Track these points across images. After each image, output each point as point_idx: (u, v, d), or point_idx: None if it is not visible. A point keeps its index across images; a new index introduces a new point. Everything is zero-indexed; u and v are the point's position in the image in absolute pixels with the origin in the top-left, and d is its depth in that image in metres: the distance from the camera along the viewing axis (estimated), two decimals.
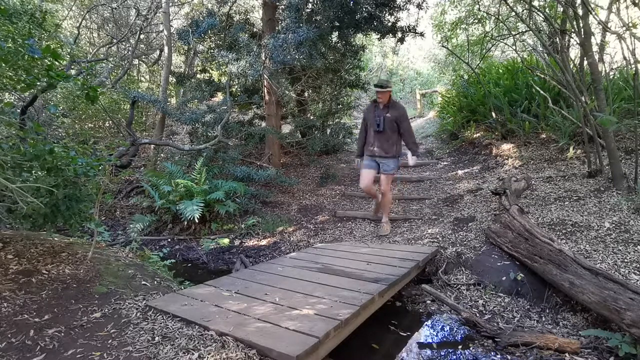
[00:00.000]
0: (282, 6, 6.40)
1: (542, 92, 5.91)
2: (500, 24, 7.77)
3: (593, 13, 4.44)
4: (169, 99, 8.35)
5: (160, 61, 10.25)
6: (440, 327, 2.85)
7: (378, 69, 18.03)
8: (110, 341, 1.86)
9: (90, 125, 7.92)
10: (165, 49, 7.21)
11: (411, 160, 4.46)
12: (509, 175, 4.86)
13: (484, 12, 8.19)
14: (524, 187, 4.41)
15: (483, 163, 6.46)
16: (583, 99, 4.52)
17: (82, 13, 9.13)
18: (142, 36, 9.47)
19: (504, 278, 3.19)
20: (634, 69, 4.25)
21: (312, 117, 8.06)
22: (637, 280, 2.70)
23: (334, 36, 6.70)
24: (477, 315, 2.81)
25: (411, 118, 14.54)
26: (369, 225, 5.06)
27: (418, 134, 10.28)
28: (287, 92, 6.94)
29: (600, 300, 2.38)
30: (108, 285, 2.46)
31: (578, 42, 4.42)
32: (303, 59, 5.29)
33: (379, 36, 6.69)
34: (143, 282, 2.69)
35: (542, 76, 5.83)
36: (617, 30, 4.67)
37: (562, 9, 5.20)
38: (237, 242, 4.94)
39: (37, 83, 2.39)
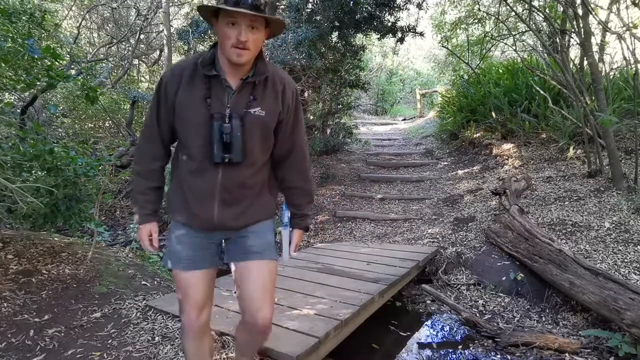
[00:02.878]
0: (282, 6, 6.39)
1: (542, 92, 5.91)
2: (500, 24, 7.77)
3: (593, 13, 4.44)
4: None
5: (160, 61, 10.24)
6: (440, 327, 2.85)
7: (378, 69, 17.97)
8: (110, 341, 1.86)
9: (90, 125, 7.92)
10: (165, 49, 7.21)
11: (292, 244, 1.51)
12: (509, 175, 4.86)
13: (484, 12, 8.18)
14: (524, 187, 4.41)
15: (483, 163, 6.45)
16: (583, 99, 4.52)
17: (82, 13, 9.12)
18: (142, 36, 9.46)
19: (504, 278, 3.19)
20: (634, 69, 4.25)
21: (312, 117, 8.04)
22: (637, 280, 2.70)
23: (334, 36, 6.69)
24: (477, 315, 2.81)
25: (411, 118, 14.19)
26: (369, 225, 5.06)
27: (418, 133, 10.11)
28: None
29: (600, 300, 2.38)
30: (108, 285, 2.46)
31: (578, 42, 4.42)
32: (303, 59, 5.29)
33: (379, 36, 6.68)
34: (143, 282, 2.69)
35: (542, 76, 5.83)
36: (617, 30, 4.67)
37: (562, 9, 5.20)
38: None
39: (37, 83, 2.39)
